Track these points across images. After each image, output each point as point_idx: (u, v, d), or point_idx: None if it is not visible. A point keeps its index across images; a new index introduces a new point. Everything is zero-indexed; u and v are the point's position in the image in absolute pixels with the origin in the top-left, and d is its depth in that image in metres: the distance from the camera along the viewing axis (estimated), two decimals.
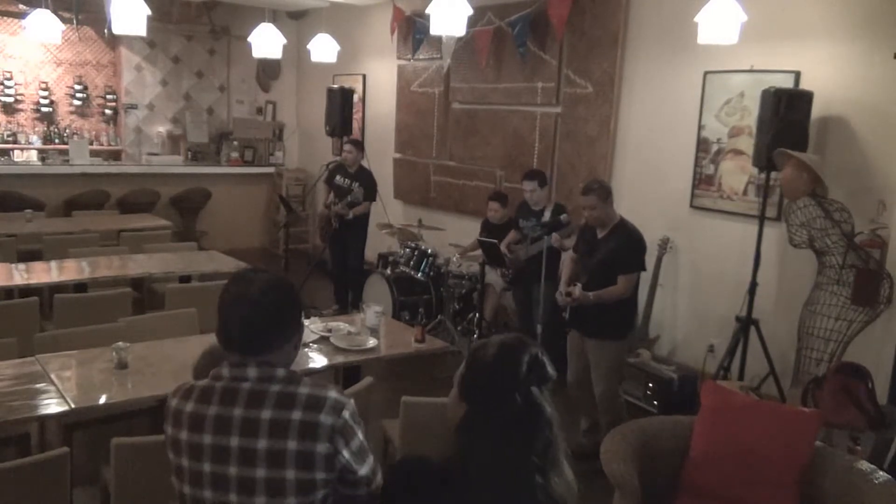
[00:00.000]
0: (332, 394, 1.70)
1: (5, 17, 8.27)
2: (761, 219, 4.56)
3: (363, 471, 1.72)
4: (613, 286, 3.94)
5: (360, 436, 1.72)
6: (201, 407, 1.68)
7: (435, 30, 4.49)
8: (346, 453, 1.67)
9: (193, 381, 1.80)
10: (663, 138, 5.49)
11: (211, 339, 1.94)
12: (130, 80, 9.02)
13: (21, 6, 7.81)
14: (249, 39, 6.51)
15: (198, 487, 1.68)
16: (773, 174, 4.51)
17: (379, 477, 1.78)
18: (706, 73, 5.12)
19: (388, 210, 7.57)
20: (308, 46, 7.26)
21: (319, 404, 1.66)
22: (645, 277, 4.51)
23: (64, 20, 6.69)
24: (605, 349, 4.05)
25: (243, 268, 1.86)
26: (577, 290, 3.99)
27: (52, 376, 3.13)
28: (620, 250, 3.94)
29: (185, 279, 5.33)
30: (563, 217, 4.97)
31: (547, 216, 5.20)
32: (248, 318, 1.70)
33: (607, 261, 3.96)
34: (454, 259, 6.24)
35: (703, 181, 5.23)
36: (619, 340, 4.09)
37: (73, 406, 2.89)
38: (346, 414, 1.68)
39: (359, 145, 6.81)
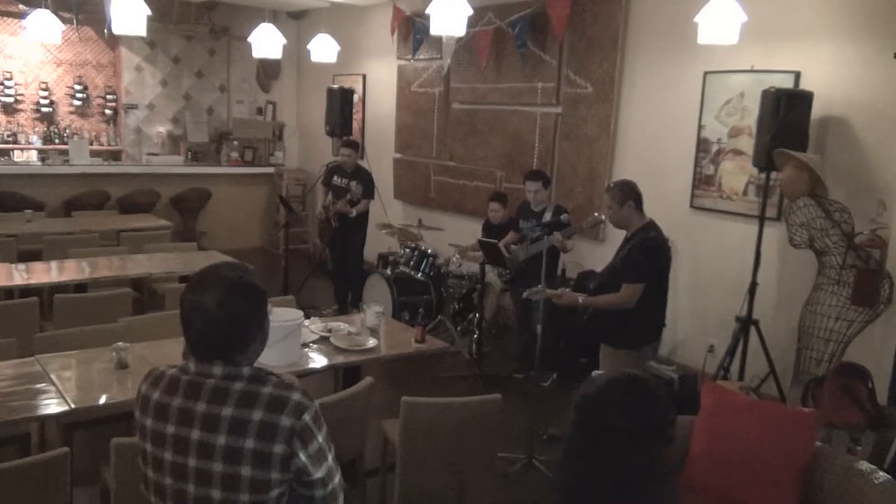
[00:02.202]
0: (296, 395, 1.70)
1: (5, 17, 8.28)
2: (761, 219, 4.55)
3: (319, 473, 1.73)
4: (612, 294, 3.79)
5: (321, 438, 1.73)
6: (166, 397, 1.72)
7: (435, 30, 4.48)
8: (303, 456, 1.69)
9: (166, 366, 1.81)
10: (663, 138, 5.49)
11: None
12: (130, 80, 9.02)
13: (21, 6, 7.82)
14: (249, 39, 6.51)
15: (159, 473, 1.72)
16: (773, 174, 4.51)
17: (337, 479, 1.79)
18: (706, 73, 5.12)
19: (388, 210, 7.57)
20: (308, 46, 7.26)
21: (281, 405, 1.68)
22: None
23: (64, 20, 6.69)
24: (613, 357, 3.95)
25: (203, 269, 1.78)
26: (562, 290, 4.01)
27: (52, 376, 3.13)
28: (628, 257, 3.80)
29: (184, 279, 5.32)
30: (563, 217, 4.97)
31: (548, 217, 5.20)
32: (204, 330, 1.70)
33: (617, 266, 3.87)
34: (454, 259, 6.24)
35: (703, 181, 5.23)
36: (629, 350, 3.92)
37: (73, 406, 2.89)
38: (306, 417, 1.69)
39: (354, 146, 6.80)
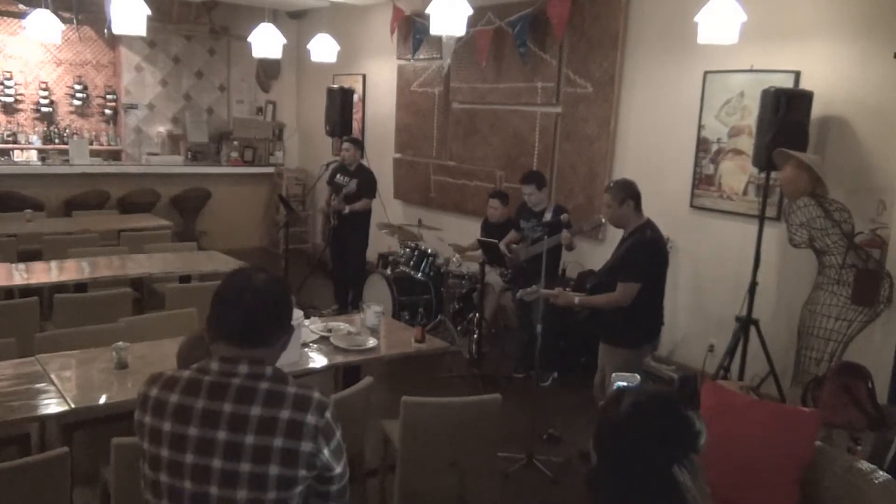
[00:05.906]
0: (316, 394, 1.75)
1: (5, 17, 8.27)
2: (761, 219, 4.56)
3: (339, 468, 1.78)
4: (608, 293, 3.80)
5: (339, 435, 1.77)
6: (188, 399, 1.71)
7: (435, 30, 4.48)
8: (326, 452, 1.73)
9: (179, 368, 1.83)
10: (663, 138, 5.49)
11: None
12: (130, 80, 9.02)
13: (21, 6, 7.81)
14: (249, 39, 6.51)
15: (177, 478, 1.70)
16: (773, 174, 4.51)
17: (348, 473, 1.84)
18: (706, 72, 5.12)
19: (388, 210, 7.57)
20: (308, 46, 7.26)
21: (306, 404, 1.71)
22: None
23: (64, 20, 6.69)
24: (613, 355, 3.94)
25: (240, 265, 1.88)
26: (559, 290, 4.00)
27: (52, 376, 3.13)
28: (625, 256, 3.81)
29: (184, 279, 5.33)
30: (563, 217, 4.97)
31: (548, 217, 5.20)
32: (252, 309, 1.74)
33: (614, 265, 3.87)
34: (454, 259, 6.24)
35: (703, 181, 5.23)
36: (629, 349, 3.89)
37: (73, 406, 2.89)
38: (328, 414, 1.73)
39: (357, 143, 6.81)
